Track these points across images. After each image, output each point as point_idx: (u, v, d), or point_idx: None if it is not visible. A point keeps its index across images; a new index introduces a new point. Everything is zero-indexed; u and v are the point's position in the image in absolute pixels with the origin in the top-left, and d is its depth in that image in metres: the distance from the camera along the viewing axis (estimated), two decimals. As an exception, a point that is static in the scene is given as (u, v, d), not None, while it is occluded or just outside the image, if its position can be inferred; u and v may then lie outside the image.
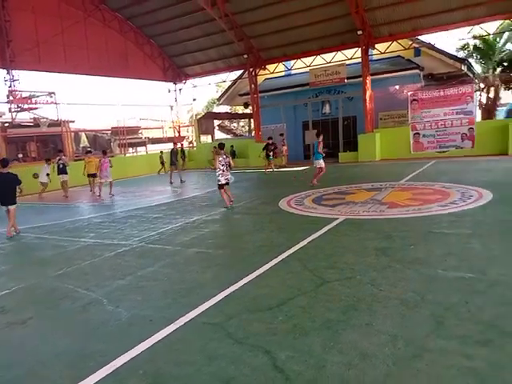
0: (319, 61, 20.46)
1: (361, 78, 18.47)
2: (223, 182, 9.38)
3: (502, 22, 18.14)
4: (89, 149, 19.48)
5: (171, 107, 26.25)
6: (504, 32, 21.45)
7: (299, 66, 21.20)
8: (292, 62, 21.69)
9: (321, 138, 12.04)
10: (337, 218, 7.37)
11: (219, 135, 33.54)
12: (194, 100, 28.39)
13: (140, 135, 34.25)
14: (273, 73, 22.47)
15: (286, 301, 3.99)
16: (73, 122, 26.24)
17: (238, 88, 25.76)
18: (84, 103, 28.04)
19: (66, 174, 14.76)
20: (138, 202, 12.02)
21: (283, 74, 23.29)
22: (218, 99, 29.30)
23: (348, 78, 19.39)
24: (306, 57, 20.56)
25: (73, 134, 25.80)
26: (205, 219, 8.40)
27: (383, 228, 6.51)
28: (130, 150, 29.19)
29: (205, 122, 27.54)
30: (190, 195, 12.82)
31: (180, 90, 26.03)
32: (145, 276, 5.15)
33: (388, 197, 9.18)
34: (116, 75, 22.65)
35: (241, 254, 5.84)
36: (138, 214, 9.73)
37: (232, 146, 23.84)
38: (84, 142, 29.35)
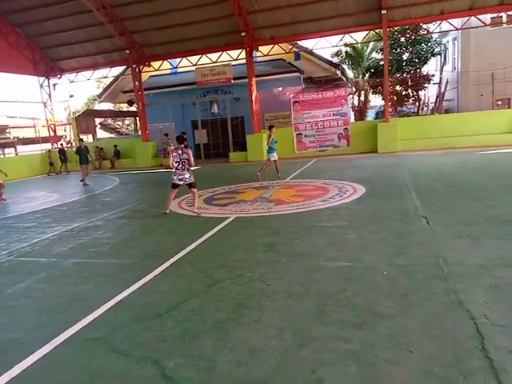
0: (205, 60, 20.47)
1: (246, 79, 18.97)
2: (176, 181, 8.02)
3: (367, 32, 20.17)
4: None
5: (44, 104, 23.81)
6: (370, 42, 23.95)
7: (185, 64, 20.94)
8: (178, 60, 21.34)
9: (273, 130, 12.18)
10: (228, 217, 7.44)
11: (102, 134, 31.50)
12: (72, 96, 26.13)
13: (8, 135, 30.44)
14: (158, 70, 21.83)
15: (176, 305, 3.88)
16: None
17: (121, 85, 24.44)
18: None
19: None
20: (6, 211, 10.65)
21: (169, 71, 22.81)
22: (99, 96, 27.46)
23: (234, 79, 19.75)
24: (191, 55, 20.40)
25: None
26: (85, 226, 7.78)
27: (271, 224, 6.75)
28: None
29: (84, 121, 25.55)
30: (69, 200, 11.77)
31: (54, 85, 23.71)
32: (14, 294, 4.56)
33: (275, 194, 9.57)
34: (-27, 67, 19.78)
35: (127, 261, 5.50)
36: (7, 224, 8.61)
37: (115, 146, 22.60)
38: None
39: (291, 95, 19.09)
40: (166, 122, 21.90)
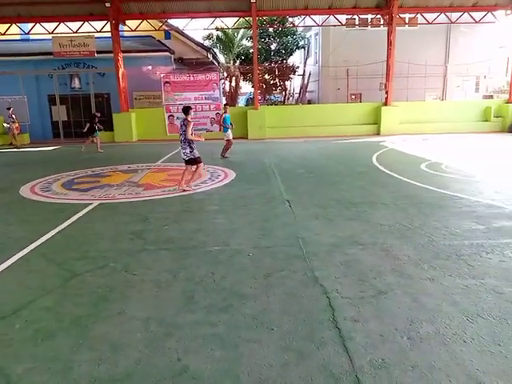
0: (64, 29, 18.36)
1: (112, 54, 17.65)
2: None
3: (238, 18, 20.45)
4: None
5: None
6: (240, 28, 24.38)
7: (40, 31, 18.48)
8: (30, 25, 18.71)
9: (227, 109, 12.26)
10: (90, 204, 6.90)
11: None
12: None
13: None
14: (4, 34, 18.79)
15: (25, 304, 3.45)
16: None
17: (-45, 47, 20.52)
18: None
19: None
20: None
21: (19, 37, 19.93)
22: None
23: (98, 53, 18.18)
24: (46, 22, 18.05)
25: None
26: None
27: (139, 210, 6.48)
28: None
29: None
30: None
31: None
32: None
33: (144, 178, 9.21)
34: None
35: (-36, 256, 4.70)
36: None
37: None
38: None
39: (162, 75, 18.42)
40: (17, 95, 19.17)
